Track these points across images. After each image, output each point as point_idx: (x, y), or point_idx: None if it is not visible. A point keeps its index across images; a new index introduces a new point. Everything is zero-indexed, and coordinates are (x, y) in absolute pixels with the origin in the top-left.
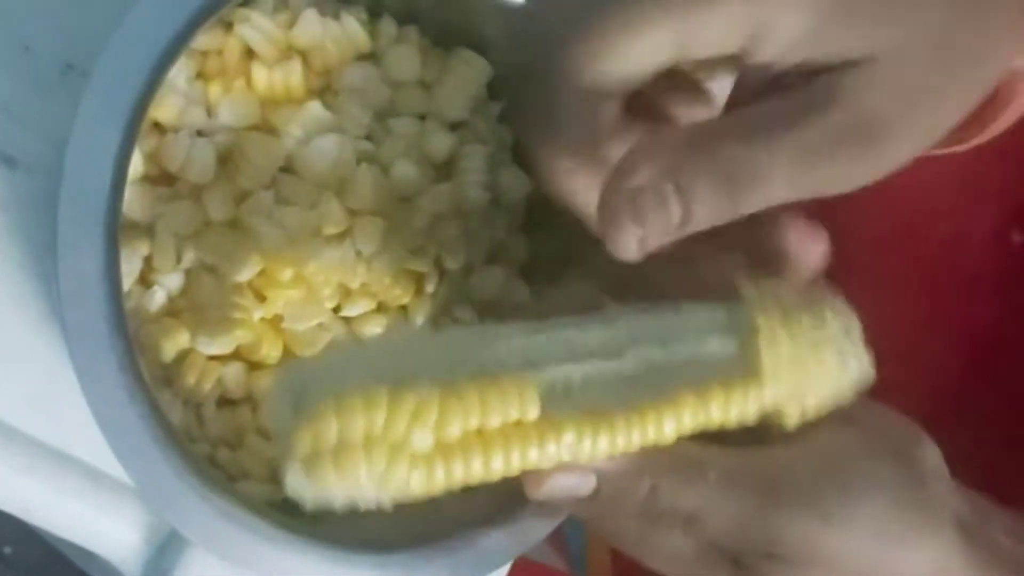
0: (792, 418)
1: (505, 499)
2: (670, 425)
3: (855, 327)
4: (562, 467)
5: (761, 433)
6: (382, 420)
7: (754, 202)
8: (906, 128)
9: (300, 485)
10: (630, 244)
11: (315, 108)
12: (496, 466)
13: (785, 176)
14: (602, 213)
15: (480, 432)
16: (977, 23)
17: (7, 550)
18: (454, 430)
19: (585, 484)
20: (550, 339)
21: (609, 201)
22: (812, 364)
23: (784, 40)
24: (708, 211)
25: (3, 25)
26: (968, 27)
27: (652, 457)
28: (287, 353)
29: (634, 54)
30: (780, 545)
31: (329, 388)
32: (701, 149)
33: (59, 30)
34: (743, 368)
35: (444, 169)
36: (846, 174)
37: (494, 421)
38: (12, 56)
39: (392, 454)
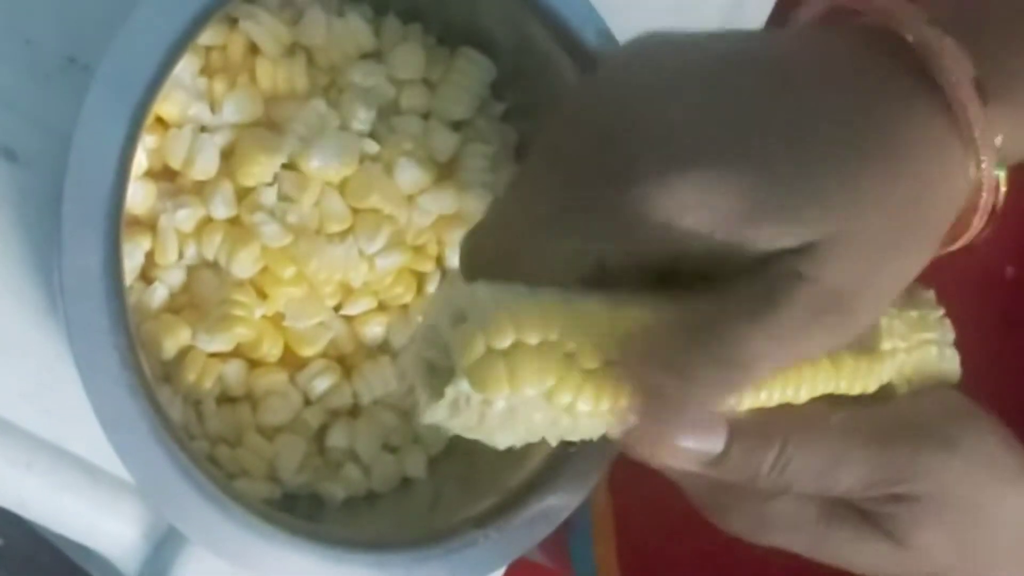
0: (901, 388)
1: (504, 500)
2: (806, 387)
3: (948, 327)
4: (691, 426)
5: (865, 401)
6: (556, 335)
7: (746, 383)
8: (873, 292)
9: (458, 398)
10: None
11: (318, 106)
12: None
13: (772, 356)
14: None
15: None
16: (918, 176)
17: None
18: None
19: (714, 444)
20: None
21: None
22: (919, 350)
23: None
24: (708, 396)
25: (5, 18)
26: (912, 184)
27: (778, 416)
28: (287, 351)
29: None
30: (909, 480)
31: (497, 305)
32: (697, 342)
33: (61, 23)
34: (864, 347)
35: (447, 168)
36: (825, 344)
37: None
38: (13, 49)
39: (563, 368)
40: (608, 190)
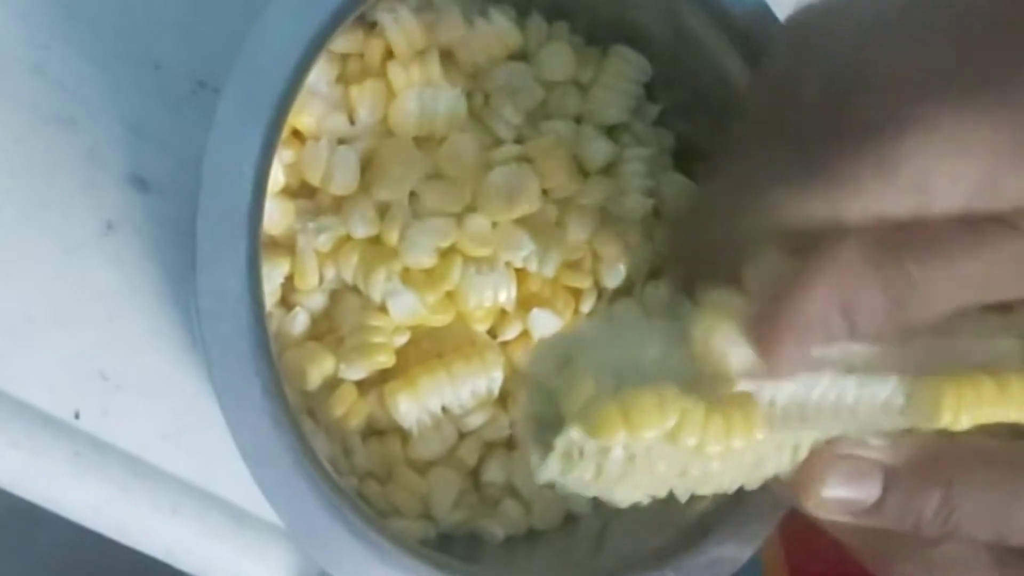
0: None
1: (675, 541)
2: (967, 414)
3: None
4: (842, 465)
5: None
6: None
7: (923, 318)
8: None
9: (570, 449)
10: (784, 364)
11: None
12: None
13: (959, 295)
14: (760, 326)
15: None
16: None
17: None
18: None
19: (869, 493)
20: None
21: (774, 320)
22: None
23: (961, 191)
24: (873, 328)
25: (133, 43)
26: None
27: (940, 455)
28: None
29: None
30: None
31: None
32: (878, 269)
33: (190, 46)
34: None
35: (600, 177)
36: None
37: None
38: (143, 74)
39: (686, 402)
40: (855, 143)
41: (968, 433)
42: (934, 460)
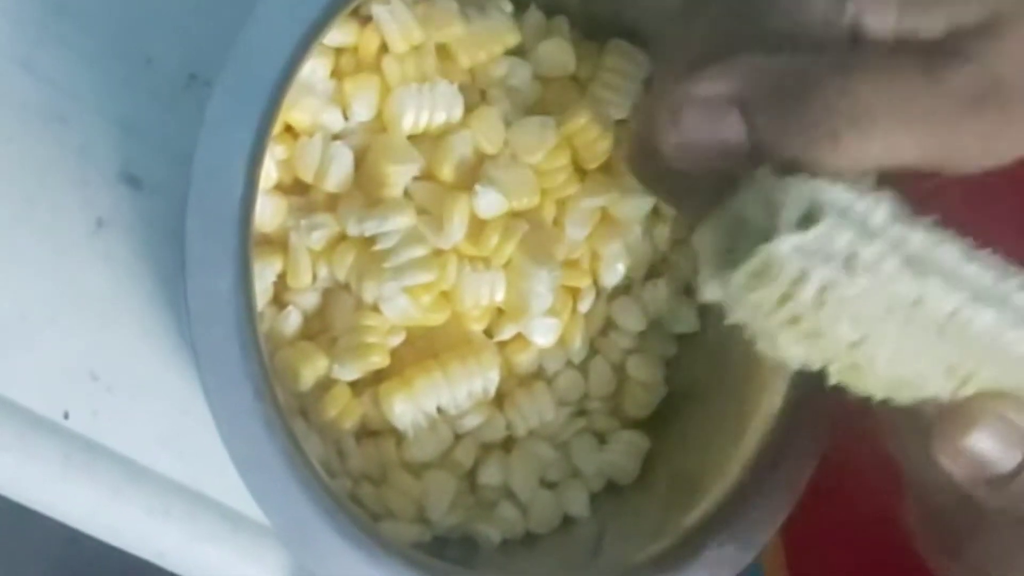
0: None
1: (676, 544)
2: None
3: None
4: (996, 421)
5: None
6: None
7: (858, 148)
8: None
9: (769, 265)
10: (667, 143)
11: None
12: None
13: (905, 129)
14: (648, 105)
15: None
16: None
17: None
18: None
19: (1010, 459)
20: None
21: (661, 99)
22: None
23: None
24: (777, 138)
25: (124, 38)
26: None
27: None
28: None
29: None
30: None
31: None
32: (793, 77)
33: (181, 39)
34: None
35: (599, 175)
36: (976, 139)
37: None
38: (134, 69)
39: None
40: None
41: None
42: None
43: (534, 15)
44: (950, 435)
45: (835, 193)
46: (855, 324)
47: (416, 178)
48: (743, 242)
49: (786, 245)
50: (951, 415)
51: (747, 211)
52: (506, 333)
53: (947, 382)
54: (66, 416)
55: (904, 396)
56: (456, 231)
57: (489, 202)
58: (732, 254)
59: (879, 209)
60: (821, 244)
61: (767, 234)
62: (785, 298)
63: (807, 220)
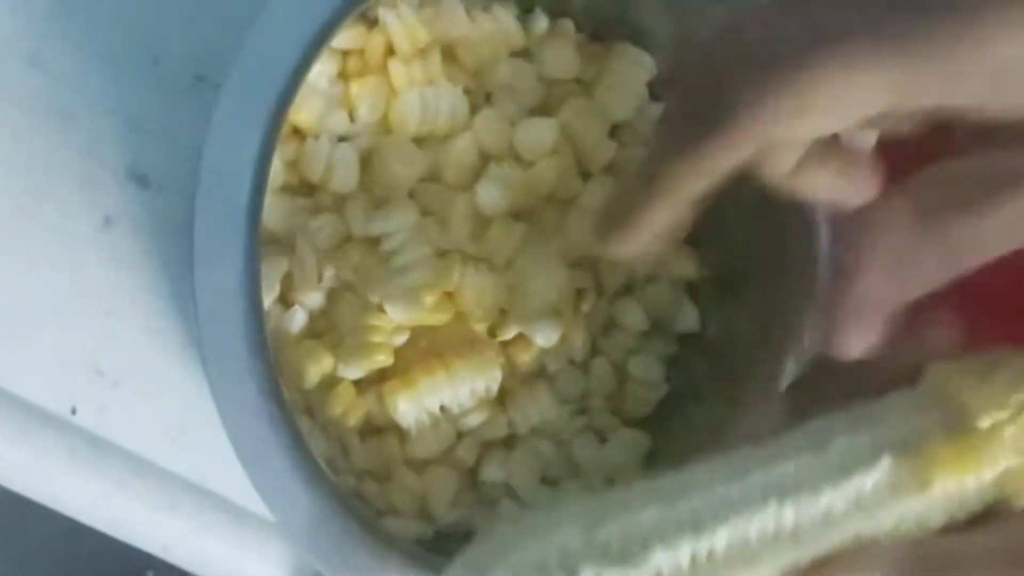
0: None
1: None
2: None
3: None
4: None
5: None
6: None
7: (976, 265)
8: None
9: None
10: (854, 348)
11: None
12: None
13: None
14: (828, 320)
15: None
16: None
17: (149, 574)
18: None
19: None
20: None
21: (835, 313)
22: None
23: None
24: (929, 288)
25: (131, 37)
26: None
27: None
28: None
29: (840, 112)
30: None
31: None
32: (927, 232)
33: (188, 40)
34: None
35: (603, 176)
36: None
37: None
38: (141, 69)
39: None
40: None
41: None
42: (917, 569)
43: (539, 18)
44: None
45: None
46: None
47: (421, 179)
48: None
49: None
50: None
51: None
52: (508, 333)
53: None
54: (73, 411)
55: None
56: (460, 232)
57: (491, 198)
58: None
59: None
60: None
61: None
62: None
63: None
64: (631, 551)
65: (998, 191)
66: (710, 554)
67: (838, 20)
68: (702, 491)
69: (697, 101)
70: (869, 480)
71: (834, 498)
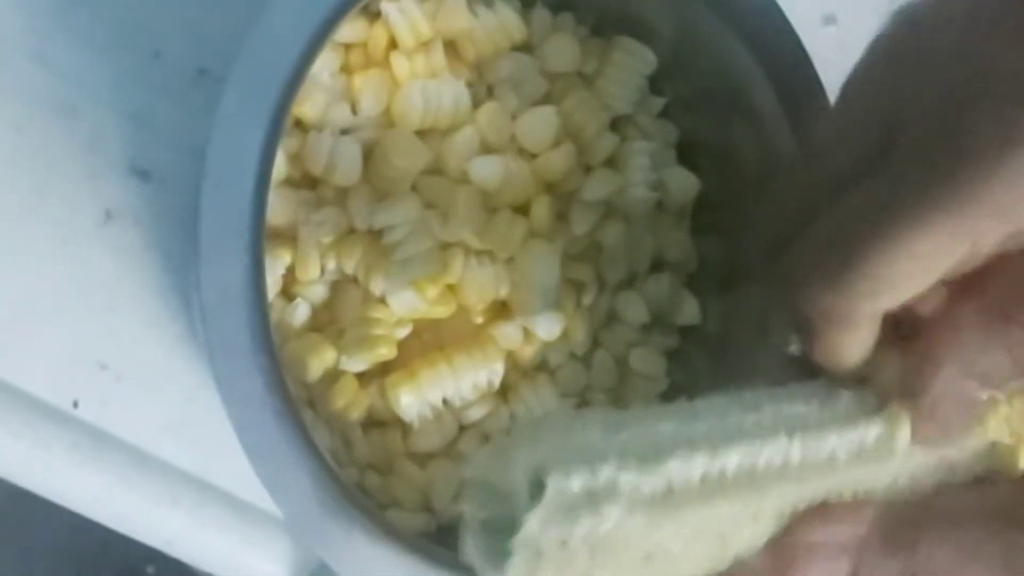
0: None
1: None
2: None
3: None
4: (807, 559)
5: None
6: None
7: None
8: None
9: (528, 545)
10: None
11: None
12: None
13: None
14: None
15: None
16: None
17: (150, 570)
18: None
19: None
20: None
21: (925, 414)
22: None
23: None
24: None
25: (134, 31)
26: None
27: (907, 517)
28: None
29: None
30: None
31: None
32: (995, 338)
33: (190, 34)
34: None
35: (604, 169)
36: None
37: None
38: (143, 63)
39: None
40: (978, 159)
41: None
42: (903, 523)
43: (540, 11)
44: None
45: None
46: (632, 551)
47: (423, 172)
48: (502, 535)
49: (533, 524)
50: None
51: (490, 478)
52: (510, 327)
53: (744, 531)
54: (75, 405)
55: (723, 560)
56: (462, 225)
57: (484, 173)
58: (494, 533)
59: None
60: (562, 500)
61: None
62: (563, 563)
63: (537, 485)
64: (648, 457)
65: None
66: (720, 473)
67: None
68: (717, 416)
69: None
70: (872, 432)
71: (839, 444)
